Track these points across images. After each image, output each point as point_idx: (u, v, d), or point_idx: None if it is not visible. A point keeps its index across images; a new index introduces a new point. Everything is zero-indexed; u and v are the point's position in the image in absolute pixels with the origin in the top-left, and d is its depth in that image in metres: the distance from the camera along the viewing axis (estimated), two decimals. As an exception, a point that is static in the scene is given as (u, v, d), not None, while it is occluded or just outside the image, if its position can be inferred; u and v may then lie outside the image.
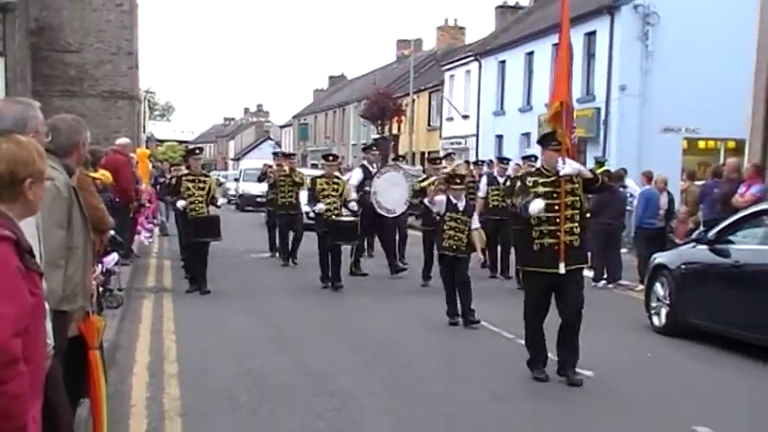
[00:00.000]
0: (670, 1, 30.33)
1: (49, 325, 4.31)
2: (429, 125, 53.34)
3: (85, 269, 6.02)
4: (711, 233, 12.80)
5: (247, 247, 22.63)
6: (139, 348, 11.20)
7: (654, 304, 13.28)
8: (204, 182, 15.95)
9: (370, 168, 19.72)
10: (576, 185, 9.69)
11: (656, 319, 13.16)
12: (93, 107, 39.89)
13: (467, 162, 23.16)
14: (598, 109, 32.44)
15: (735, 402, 9.46)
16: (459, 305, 13.15)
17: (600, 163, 22.40)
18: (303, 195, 19.22)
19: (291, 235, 20.32)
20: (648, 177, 19.36)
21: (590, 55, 33.65)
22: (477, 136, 44.23)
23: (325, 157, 18.28)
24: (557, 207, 9.58)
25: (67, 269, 5.68)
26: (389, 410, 8.65)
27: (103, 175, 12.96)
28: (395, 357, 10.89)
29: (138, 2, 46.44)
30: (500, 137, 41.23)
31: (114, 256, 12.40)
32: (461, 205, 13.48)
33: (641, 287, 14.67)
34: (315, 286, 16.49)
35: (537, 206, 9.36)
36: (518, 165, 19.12)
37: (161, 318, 13.32)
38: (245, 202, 40.18)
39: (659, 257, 13.77)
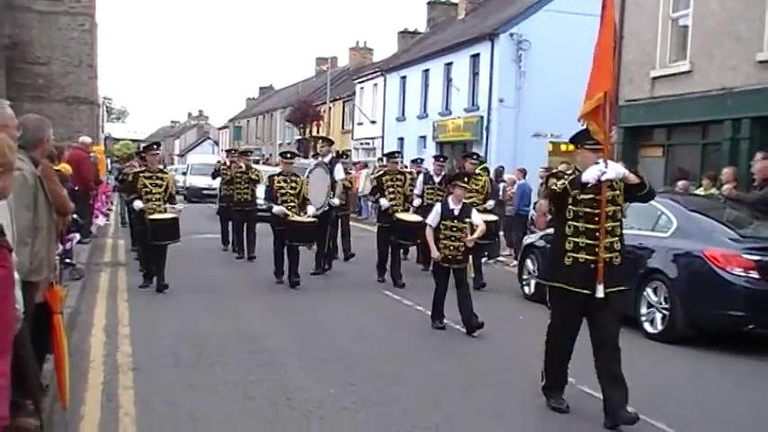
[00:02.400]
0: (539, 31, 30.85)
1: (19, 293, 4.23)
2: (343, 128, 53.23)
3: (49, 246, 5.95)
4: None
5: (191, 229, 22.21)
6: (97, 313, 11.02)
7: (525, 276, 13.50)
8: (162, 179, 13.22)
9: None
10: (617, 192, 7.03)
11: (526, 289, 13.38)
12: (59, 111, 39.69)
13: (414, 161, 19.93)
14: (481, 117, 32.76)
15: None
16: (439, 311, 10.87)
17: (480, 162, 22.57)
18: (259, 191, 17.04)
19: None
20: (523, 173, 19.57)
21: (474, 73, 34.02)
22: (382, 138, 44.28)
23: (282, 154, 15.31)
24: (596, 218, 6.90)
25: (34, 246, 5.60)
26: (309, 366, 8.66)
27: (63, 167, 12.75)
28: (317, 323, 10.88)
29: (98, 22, 46.34)
30: (401, 139, 41.39)
31: (76, 236, 12.24)
32: (458, 210, 10.57)
33: (515, 263, 14.89)
34: (254, 268, 15.82)
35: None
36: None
37: (116, 288, 13.14)
38: (192, 194, 38.29)
39: (529, 238, 14.04)
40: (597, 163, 6.72)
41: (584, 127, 7.15)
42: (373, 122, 46.17)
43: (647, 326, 10.72)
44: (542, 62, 30.34)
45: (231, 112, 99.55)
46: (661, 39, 18.91)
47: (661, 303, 10.59)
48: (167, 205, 13.13)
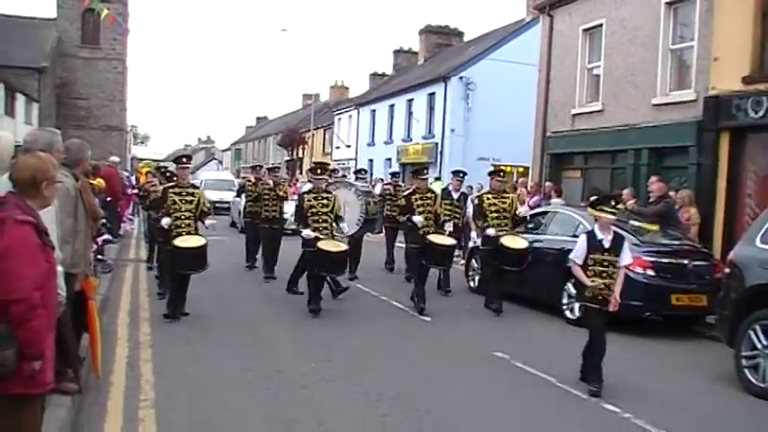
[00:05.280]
0: (483, 75, 31.08)
1: (62, 283, 4.25)
2: (324, 151, 53.13)
3: (86, 245, 5.95)
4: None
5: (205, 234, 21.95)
6: (123, 300, 10.97)
7: (470, 273, 13.55)
8: (193, 194, 10.05)
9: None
10: None
11: (471, 283, 13.43)
12: (96, 136, 40.81)
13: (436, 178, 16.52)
14: (436, 143, 32.88)
15: (522, 336, 9.76)
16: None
17: (436, 178, 22.65)
18: (287, 207, 13.98)
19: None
20: (470, 189, 19.63)
21: (431, 108, 34.14)
22: (356, 159, 44.23)
23: (312, 169, 11.25)
24: None
25: (74, 245, 5.62)
26: (295, 345, 8.70)
27: (98, 182, 12.65)
28: (302, 312, 10.86)
29: (128, 65, 47.69)
30: (371, 160, 41.38)
31: (106, 237, 12.14)
32: (608, 240, 7.25)
33: (463, 261, 14.86)
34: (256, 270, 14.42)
35: None
36: (388, 182, 16.29)
37: (138, 280, 13.02)
38: None
39: (474, 243, 14.07)
40: None
41: None
42: (348, 146, 46.18)
43: (567, 313, 10.81)
44: (486, 100, 30.58)
45: (233, 137, 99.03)
46: (579, 84, 19.14)
47: (578, 295, 10.71)
48: (198, 224, 10.16)
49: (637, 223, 11.39)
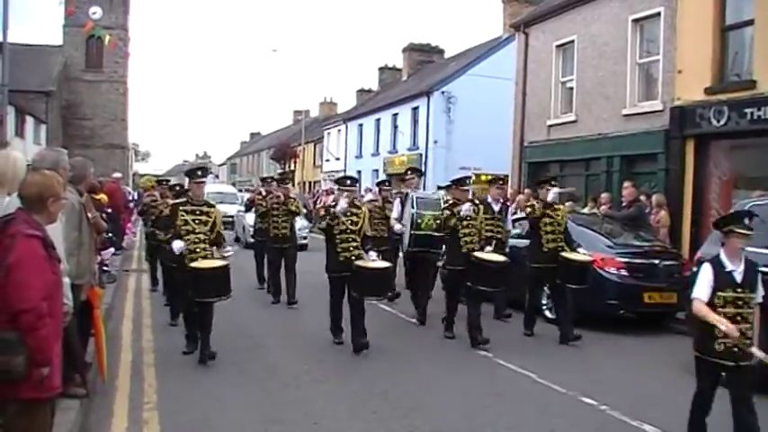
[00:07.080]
0: (463, 90, 31.16)
1: (69, 293, 4.25)
2: (314, 164, 53.17)
3: (90, 257, 5.95)
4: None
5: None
6: (126, 308, 10.95)
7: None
8: (208, 214, 7.95)
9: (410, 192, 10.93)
10: None
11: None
12: (99, 154, 41.27)
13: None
14: (420, 155, 32.94)
15: (504, 335, 9.75)
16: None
17: (441, 187, 22.44)
18: (298, 223, 12.37)
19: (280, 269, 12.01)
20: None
21: (415, 121, 34.21)
22: (344, 171, 44.25)
23: (339, 181, 9.12)
24: None
25: (79, 257, 5.61)
26: (288, 348, 8.69)
27: (101, 197, 12.61)
28: (293, 318, 10.85)
29: (129, 87, 48.34)
30: (360, 171, 41.42)
31: (111, 250, 12.06)
32: (740, 272, 4.89)
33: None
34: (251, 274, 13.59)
35: None
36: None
37: (140, 289, 12.99)
38: None
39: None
40: None
41: None
42: (338, 159, 46.18)
43: (547, 312, 10.83)
44: (466, 113, 30.67)
45: (228, 152, 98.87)
46: (554, 96, 19.28)
47: (557, 295, 10.70)
48: (213, 249, 8.00)
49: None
